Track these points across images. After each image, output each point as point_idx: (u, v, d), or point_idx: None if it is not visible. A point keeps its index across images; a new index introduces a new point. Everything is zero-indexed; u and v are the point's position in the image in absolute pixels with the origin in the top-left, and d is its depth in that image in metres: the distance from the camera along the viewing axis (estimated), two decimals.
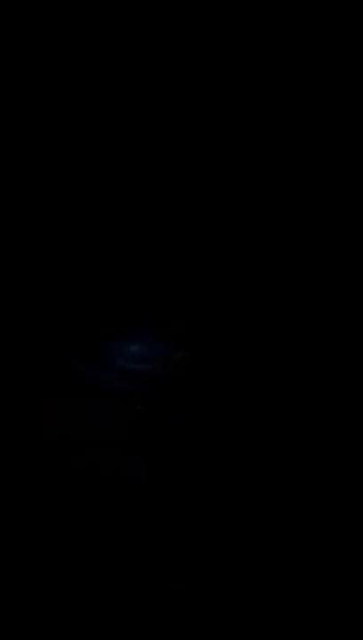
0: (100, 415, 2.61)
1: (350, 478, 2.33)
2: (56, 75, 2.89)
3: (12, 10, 2.80)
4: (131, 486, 2.37)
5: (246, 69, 2.84)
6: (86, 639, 1.91)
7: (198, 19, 2.80)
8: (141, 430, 2.50)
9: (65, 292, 2.90)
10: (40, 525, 2.27)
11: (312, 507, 2.27)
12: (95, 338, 2.86)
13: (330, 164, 2.82)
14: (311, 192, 2.83)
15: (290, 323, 2.67)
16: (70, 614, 1.96)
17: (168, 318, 2.78)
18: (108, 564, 2.13)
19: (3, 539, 2.22)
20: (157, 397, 2.55)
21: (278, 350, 2.63)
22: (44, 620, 1.94)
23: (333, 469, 2.36)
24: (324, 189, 2.82)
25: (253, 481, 2.34)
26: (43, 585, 2.07)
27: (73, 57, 2.87)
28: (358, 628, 1.95)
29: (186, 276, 2.84)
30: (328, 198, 2.81)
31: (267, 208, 2.86)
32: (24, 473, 2.44)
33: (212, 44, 2.83)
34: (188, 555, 2.14)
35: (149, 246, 2.89)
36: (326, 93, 2.80)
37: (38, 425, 2.54)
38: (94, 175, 2.95)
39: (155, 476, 2.38)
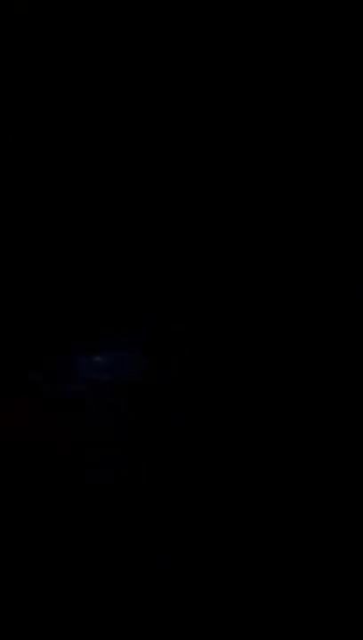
0: (97, 414, 2.61)
1: (351, 478, 2.33)
2: (56, 74, 2.89)
3: (12, 9, 2.80)
4: (130, 486, 2.37)
5: (247, 69, 2.84)
6: (86, 639, 1.91)
7: (198, 19, 2.80)
8: (140, 430, 2.49)
9: (63, 292, 2.90)
10: (39, 526, 2.27)
11: (313, 507, 2.27)
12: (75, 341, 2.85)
13: (330, 164, 2.82)
14: (312, 192, 2.83)
15: (290, 323, 2.67)
16: (70, 614, 1.96)
17: (168, 318, 2.78)
18: (108, 565, 2.13)
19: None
20: (149, 403, 2.54)
21: (279, 350, 2.63)
22: (44, 620, 1.94)
23: (333, 469, 2.36)
24: (324, 189, 2.82)
25: (253, 481, 2.34)
26: (42, 585, 2.06)
27: (73, 57, 2.87)
28: (359, 628, 1.95)
29: (186, 275, 2.84)
30: (329, 198, 2.81)
31: (267, 208, 2.86)
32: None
33: (212, 43, 2.83)
34: (188, 555, 2.14)
35: (148, 246, 2.89)
36: (327, 93, 2.80)
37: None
38: (93, 175, 2.95)
39: (154, 475, 2.38)
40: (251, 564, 2.08)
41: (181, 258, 2.85)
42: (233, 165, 2.89)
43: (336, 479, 2.33)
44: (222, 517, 2.25)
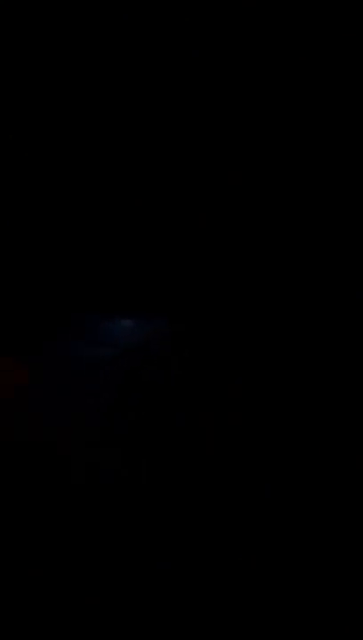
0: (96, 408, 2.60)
1: (351, 478, 2.33)
2: (56, 74, 2.89)
3: (12, 9, 2.80)
4: (130, 486, 2.37)
5: (247, 69, 2.84)
6: (86, 639, 1.91)
7: (198, 19, 2.81)
8: (139, 430, 2.49)
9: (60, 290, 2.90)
10: (38, 524, 2.26)
11: (313, 507, 2.27)
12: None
13: (331, 164, 2.82)
14: (312, 192, 2.83)
15: (290, 323, 2.67)
16: (70, 614, 1.96)
17: (168, 318, 2.78)
18: (108, 564, 2.13)
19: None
20: (154, 397, 2.54)
21: (279, 350, 2.63)
22: (44, 619, 1.94)
23: (333, 469, 2.36)
24: (324, 189, 2.82)
25: (253, 481, 2.34)
26: (42, 585, 2.06)
27: (72, 56, 2.87)
28: (359, 628, 1.95)
29: (186, 275, 2.84)
30: (329, 198, 2.81)
31: (267, 208, 2.86)
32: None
33: (212, 43, 2.83)
34: (188, 555, 2.14)
35: (148, 246, 2.89)
36: (327, 93, 2.80)
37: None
38: (94, 175, 2.95)
39: (154, 475, 2.38)
40: (251, 563, 2.08)
41: (180, 258, 2.85)
42: (233, 165, 2.89)
43: (337, 479, 2.33)
44: (222, 517, 2.25)
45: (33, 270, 2.87)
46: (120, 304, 2.87)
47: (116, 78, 2.91)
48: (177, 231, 2.87)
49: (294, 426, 2.45)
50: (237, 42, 2.83)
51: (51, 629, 1.91)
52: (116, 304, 2.86)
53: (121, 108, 2.92)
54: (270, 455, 2.39)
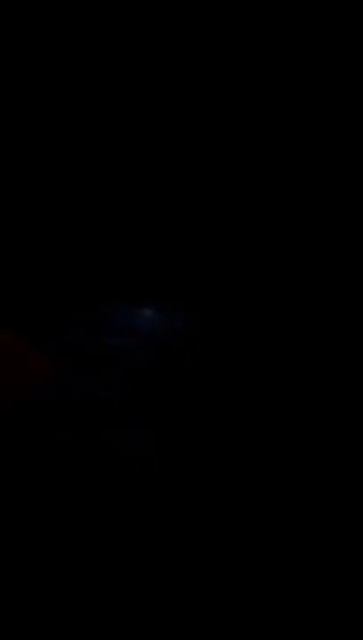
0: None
1: None
2: (55, 74, 2.89)
3: (12, 9, 2.81)
4: (142, 480, 2.35)
5: (247, 69, 2.84)
6: (86, 639, 1.90)
7: (198, 19, 2.81)
8: (152, 424, 2.48)
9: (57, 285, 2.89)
10: (37, 521, 2.25)
11: (325, 501, 2.25)
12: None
13: (331, 164, 2.82)
14: (312, 192, 2.83)
15: (301, 317, 2.66)
16: (70, 614, 1.95)
17: (186, 311, 2.77)
18: (109, 564, 2.12)
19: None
20: (167, 390, 2.53)
21: (290, 344, 2.62)
22: (44, 619, 1.93)
23: (346, 464, 2.35)
24: (324, 189, 2.82)
25: (265, 474, 2.32)
26: (41, 584, 2.05)
27: (72, 56, 2.87)
28: (359, 628, 1.94)
29: (191, 272, 2.83)
30: (329, 198, 2.81)
31: (267, 208, 2.86)
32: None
33: (212, 43, 2.83)
34: (190, 555, 2.13)
35: (150, 245, 2.89)
36: (327, 93, 2.81)
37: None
38: (94, 175, 2.95)
39: (166, 469, 2.36)
40: (258, 562, 2.07)
41: (185, 255, 2.85)
42: (233, 165, 2.89)
43: (349, 473, 2.31)
44: (233, 512, 2.22)
45: (52, 257, 2.85)
46: (139, 294, 2.85)
47: (116, 78, 2.91)
48: (177, 231, 2.87)
49: (306, 419, 2.44)
50: (237, 42, 2.83)
51: (50, 629, 1.90)
52: (135, 294, 2.85)
53: (121, 109, 2.93)
54: (282, 448, 2.37)
